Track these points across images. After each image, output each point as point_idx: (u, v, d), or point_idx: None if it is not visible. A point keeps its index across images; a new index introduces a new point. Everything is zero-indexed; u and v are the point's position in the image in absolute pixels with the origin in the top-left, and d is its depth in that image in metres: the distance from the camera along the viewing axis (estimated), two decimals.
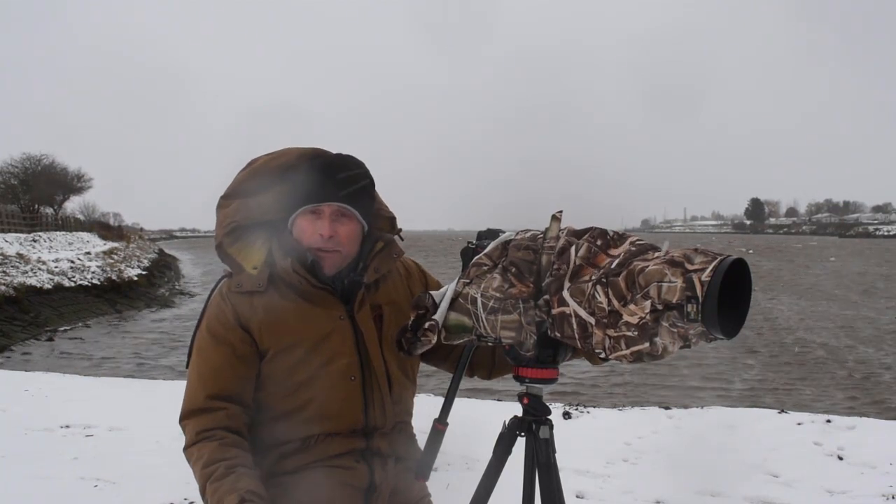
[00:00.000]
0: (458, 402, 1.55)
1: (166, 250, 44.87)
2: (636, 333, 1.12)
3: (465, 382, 1.60)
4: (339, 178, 1.53)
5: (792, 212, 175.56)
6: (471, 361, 1.60)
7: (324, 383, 1.52)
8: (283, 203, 1.56)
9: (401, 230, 1.68)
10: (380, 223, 1.65)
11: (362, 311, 1.57)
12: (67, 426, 4.45)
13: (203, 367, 1.50)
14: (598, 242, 1.25)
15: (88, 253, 26.04)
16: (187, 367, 1.55)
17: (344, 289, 1.57)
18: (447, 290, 1.41)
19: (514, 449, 1.42)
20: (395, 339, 1.52)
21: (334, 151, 1.61)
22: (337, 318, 1.55)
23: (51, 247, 26.07)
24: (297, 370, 1.52)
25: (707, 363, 10.75)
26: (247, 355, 1.51)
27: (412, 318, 1.44)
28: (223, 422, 1.46)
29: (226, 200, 1.58)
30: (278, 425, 1.54)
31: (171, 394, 5.40)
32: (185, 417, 1.49)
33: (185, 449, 1.47)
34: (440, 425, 1.50)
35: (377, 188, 1.64)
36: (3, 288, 16.11)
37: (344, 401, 1.54)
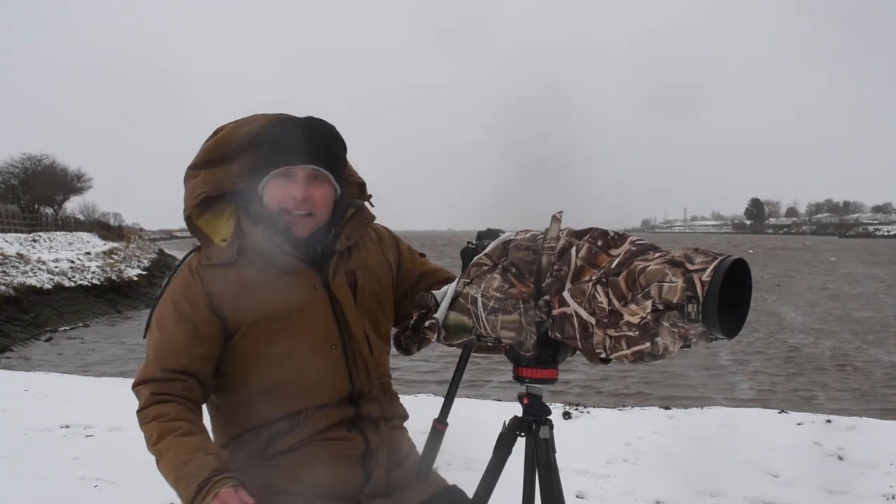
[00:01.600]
0: (458, 402, 1.55)
1: (166, 250, 44.86)
2: (637, 333, 1.12)
3: (466, 383, 1.60)
4: (311, 141, 1.48)
5: (792, 212, 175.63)
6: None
7: (304, 355, 1.49)
8: (253, 170, 1.51)
9: (370, 196, 1.64)
10: (350, 189, 1.61)
11: (337, 279, 1.53)
12: (67, 426, 4.44)
13: (161, 340, 1.46)
14: (599, 243, 1.25)
15: (88, 253, 26.04)
16: (144, 337, 1.50)
17: (317, 256, 1.53)
18: (448, 290, 1.41)
19: (514, 449, 1.42)
20: (395, 337, 1.51)
21: (302, 116, 1.55)
22: (312, 288, 1.51)
23: (51, 247, 26.06)
24: (275, 343, 1.48)
25: (717, 365, 10.75)
26: (209, 337, 1.46)
27: (414, 318, 1.44)
28: (179, 391, 1.43)
29: (193, 171, 1.53)
30: (262, 403, 1.50)
31: None
32: (138, 384, 1.45)
33: (140, 411, 1.42)
34: (440, 425, 1.48)
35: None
36: (3, 288, 16.12)
37: (327, 370, 1.51)
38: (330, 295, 1.52)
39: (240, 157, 1.52)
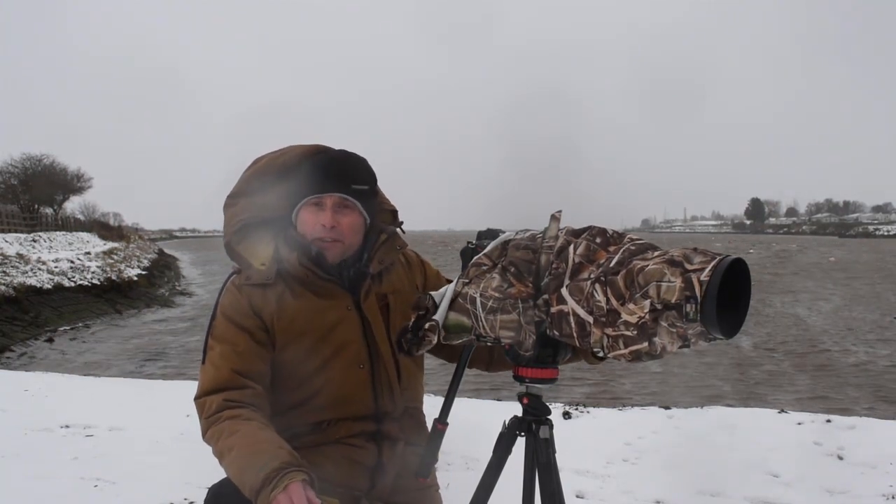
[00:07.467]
0: (458, 402, 1.55)
1: (166, 250, 44.88)
2: (635, 333, 1.12)
3: (466, 382, 1.60)
4: (340, 171, 1.57)
5: (792, 212, 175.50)
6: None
7: (333, 372, 1.56)
8: (288, 199, 1.59)
9: (402, 223, 1.71)
10: (382, 216, 1.69)
11: (369, 301, 1.61)
12: (67, 426, 4.44)
13: (226, 350, 1.51)
14: (598, 240, 1.25)
15: (88, 253, 26.04)
16: (203, 361, 1.54)
17: (350, 280, 1.60)
18: (447, 291, 1.41)
19: (514, 449, 1.42)
20: (396, 340, 1.53)
21: (336, 148, 1.64)
22: (344, 309, 1.58)
23: (51, 247, 26.06)
24: (307, 361, 1.55)
25: (719, 367, 10.74)
26: (264, 342, 1.54)
27: (413, 319, 1.44)
28: (250, 398, 1.47)
29: (232, 199, 1.61)
30: (289, 415, 1.57)
31: (170, 394, 5.40)
32: (207, 393, 1.47)
33: (210, 416, 1.44)
34: (440, 425, 1.51)
35: (380, 184, 1.68)
36: (3, 288, 16.11)
37: (353, 389, 1.57)
38: (361, 316, 1.59)
39: (276, 186, 1.59)
